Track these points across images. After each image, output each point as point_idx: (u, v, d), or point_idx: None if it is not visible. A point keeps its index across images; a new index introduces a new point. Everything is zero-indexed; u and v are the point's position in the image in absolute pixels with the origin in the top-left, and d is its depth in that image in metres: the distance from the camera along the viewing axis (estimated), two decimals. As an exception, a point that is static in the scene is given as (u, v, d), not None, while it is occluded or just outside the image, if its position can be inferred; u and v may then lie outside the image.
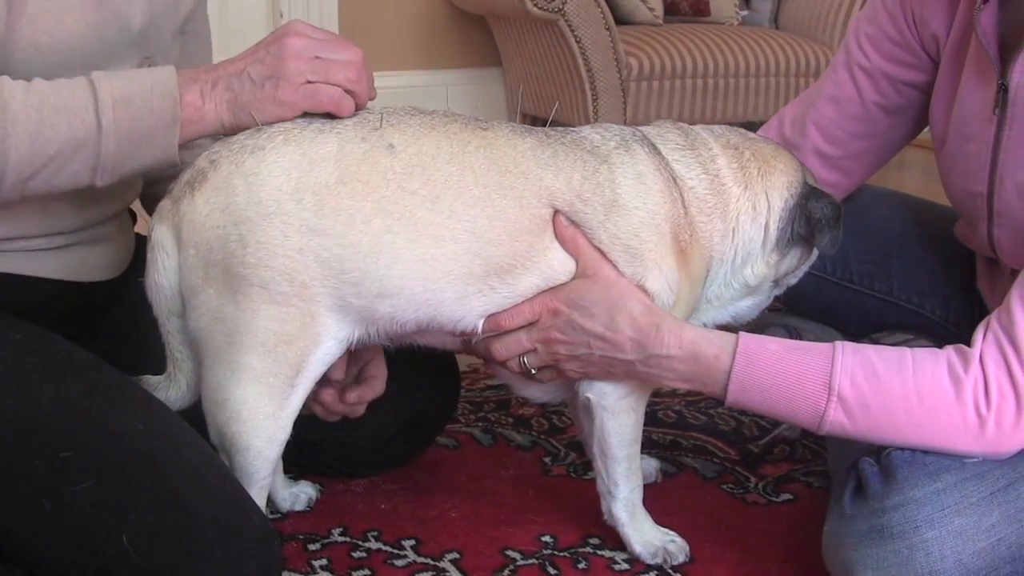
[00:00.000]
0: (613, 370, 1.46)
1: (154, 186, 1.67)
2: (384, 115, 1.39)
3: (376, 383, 1.58)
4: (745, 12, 4.72)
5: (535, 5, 3.94)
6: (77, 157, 1.30)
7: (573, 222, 1.42)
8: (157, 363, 1.45)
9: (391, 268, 1.35)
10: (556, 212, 1.41)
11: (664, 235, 1.44)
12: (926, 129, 1.77)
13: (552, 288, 1.43)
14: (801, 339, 1.62)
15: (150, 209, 1.67)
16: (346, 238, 1.34)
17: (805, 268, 1.60)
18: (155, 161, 1.36)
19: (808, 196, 1.52)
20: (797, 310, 1.95)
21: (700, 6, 4.57)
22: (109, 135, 1.30)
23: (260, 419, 1.38)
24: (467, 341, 1.48)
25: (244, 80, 1.35)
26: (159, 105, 1.33)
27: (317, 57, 1.35)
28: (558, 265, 1.43)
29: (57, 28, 1.36)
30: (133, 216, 1.71)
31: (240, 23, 3.57)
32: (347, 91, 1.37)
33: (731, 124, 1.60)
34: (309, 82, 1.35)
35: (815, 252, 1.57)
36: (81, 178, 1.32)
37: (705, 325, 1.55)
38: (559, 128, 1.49)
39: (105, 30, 1.41)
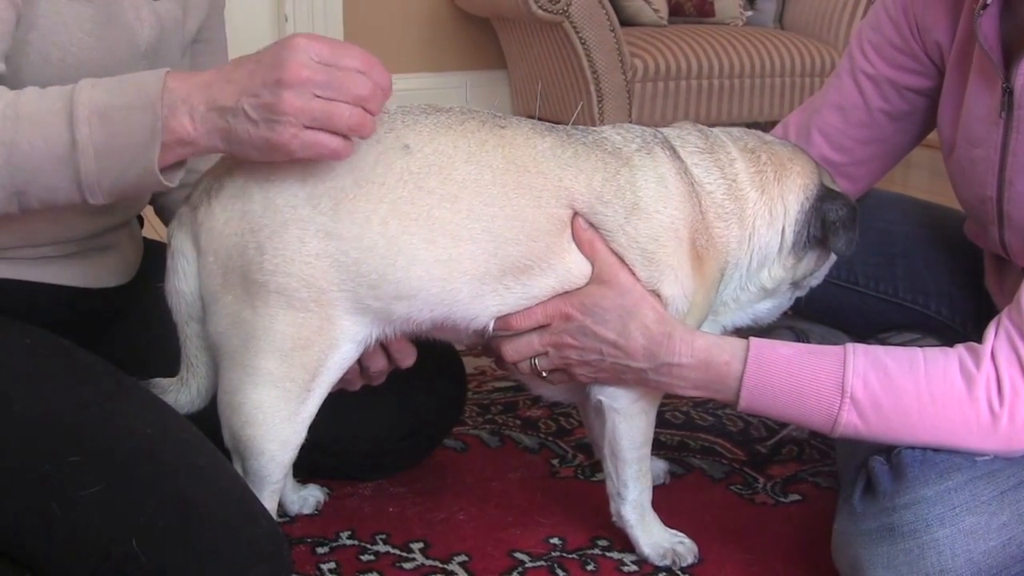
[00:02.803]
0: (624, 377, 1.46)
1: (162, 196, 1.66)
2: (400, 114, 1.37)
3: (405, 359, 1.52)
4: (750, 13, 4.73)
5: (539, 7, 3.94)
6: (60, 173, 1.24)
7: (592, 225, 1.41)
8: (165, 367, 1.45)
9: (409, 270, 1.34)
10: (575, 214, 1.40)
11: (683, 240, 1.43)
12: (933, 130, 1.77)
13: (566, 292, 1.43)
14: (808, 342, 1.61)
15: (164, 218, 1.67)
16: (363, 241, 1.33)
17: (825, 270, 1.59)
18: (138, 180, 1.25)
19: (823, 198, 1.50)
20: (803, 313, 1.95)
21: (704, 7, 4.57)
22: (86, 151, 1.23)
23: (275, 423, 1.37)
24: (482, 337, 1.47)
25: (239, 115, 1.23)
26: (138, 120, 1.22)
27: (318, 96, 1.22)
28: (575, 268, 1.42)
29: (67, 41, 1.35)
30: (141, 221, 1.71)
31: (244, 27, 3.57)
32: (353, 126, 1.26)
33: (736, 125, 1.59)
34: (308, 127, 1.24)
35: (833, 253, 1.56)
36: (72, 195, 1.25)
37: (725, 328, 1.55)
38: (579, 128, 1.47)
39: (114, 44, 1.40)
